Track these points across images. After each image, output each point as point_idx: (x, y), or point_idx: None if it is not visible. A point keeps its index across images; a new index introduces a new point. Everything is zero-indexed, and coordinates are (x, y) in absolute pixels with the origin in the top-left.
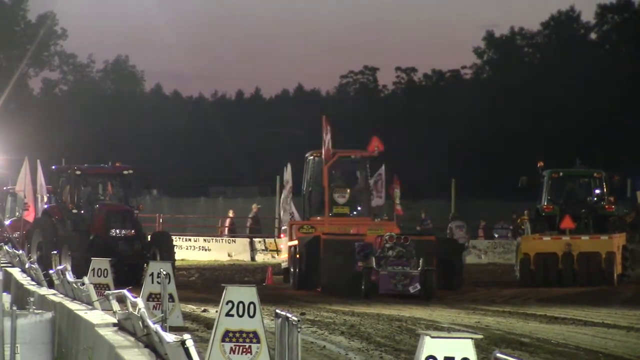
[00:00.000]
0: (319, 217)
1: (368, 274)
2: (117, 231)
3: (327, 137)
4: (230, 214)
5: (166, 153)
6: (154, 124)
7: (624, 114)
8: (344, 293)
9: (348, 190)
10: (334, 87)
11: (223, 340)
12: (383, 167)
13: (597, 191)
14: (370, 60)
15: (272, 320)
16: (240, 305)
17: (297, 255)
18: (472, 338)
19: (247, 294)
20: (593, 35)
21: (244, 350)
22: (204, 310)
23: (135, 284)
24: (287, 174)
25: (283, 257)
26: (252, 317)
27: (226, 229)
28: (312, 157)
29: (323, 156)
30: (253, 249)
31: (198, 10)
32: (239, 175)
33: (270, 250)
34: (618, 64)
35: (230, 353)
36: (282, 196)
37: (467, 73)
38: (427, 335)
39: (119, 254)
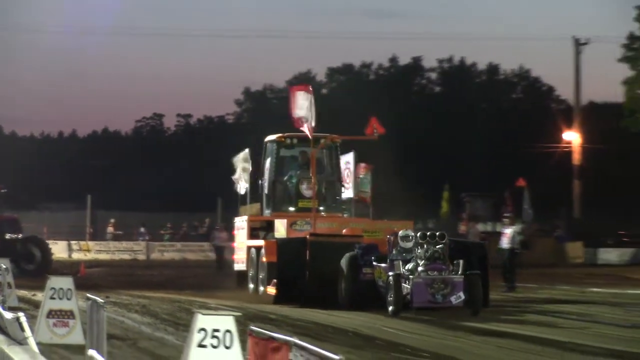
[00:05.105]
0: (287, 211)
1: (398, 282)
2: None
3: (310, 112)
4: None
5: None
6: None
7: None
8: (344, 308)
9: (313, 181)
10: (131, 129)
11: (47, 317)
12: (352, 154)
13: None
14: (158, 107)
15: (85, 302)
16: (61, 290)
17: (264, 259)
18: (233, 315)
19: (65, 282)
20: (324, 91)
21: (63, 324)
22: (34, 295)
23: None
24: (246, 161)
25: (238, 258)
26: (69, 299)
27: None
28: (272, 142)
29: (310, 136)
30: (70, 249)
31: (25, 57)
32: (61, 192)
33: (83, 250)
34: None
35: (53, 327)
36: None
37: (230, 118)
38: (199, 313)
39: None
